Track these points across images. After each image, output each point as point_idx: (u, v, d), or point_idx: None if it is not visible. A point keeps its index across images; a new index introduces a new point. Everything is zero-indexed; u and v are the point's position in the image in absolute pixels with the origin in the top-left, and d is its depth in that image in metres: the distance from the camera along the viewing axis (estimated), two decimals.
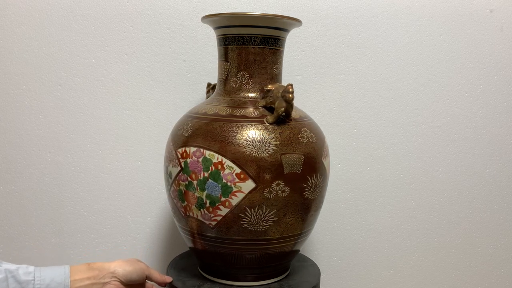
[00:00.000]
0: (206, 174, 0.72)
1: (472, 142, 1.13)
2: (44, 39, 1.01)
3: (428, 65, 1.09)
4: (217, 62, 0.81)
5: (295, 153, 0.73)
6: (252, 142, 0.71)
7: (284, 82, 0.83)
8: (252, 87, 0.78)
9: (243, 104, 0.76)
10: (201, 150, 0.72)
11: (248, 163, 0.70)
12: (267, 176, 0.71)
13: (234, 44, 0.77)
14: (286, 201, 0.73)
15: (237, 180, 0.71)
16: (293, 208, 0.74)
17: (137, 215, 1.08)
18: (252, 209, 0.72)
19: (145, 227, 1.08)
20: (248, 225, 0.73)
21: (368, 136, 1.10)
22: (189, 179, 0.73)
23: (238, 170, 0.70)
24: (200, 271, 0.84)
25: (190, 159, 0.73)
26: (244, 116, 0.74)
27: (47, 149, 1.04)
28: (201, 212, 0.74)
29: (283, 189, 0.72)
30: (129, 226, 1.08)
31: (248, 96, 0.78)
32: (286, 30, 0.79)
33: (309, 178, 0.75)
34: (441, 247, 1.16)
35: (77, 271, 0.67)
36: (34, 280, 0.62)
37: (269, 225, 0.73)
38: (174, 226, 1.08)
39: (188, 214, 0.76)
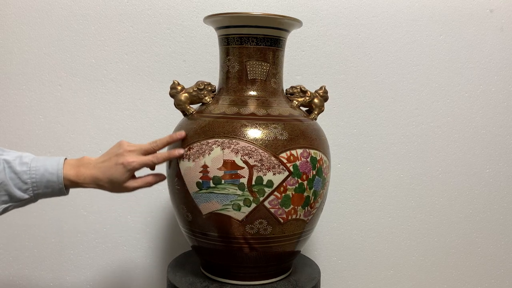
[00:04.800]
0: (314, 172, 0.75)
1: (472, 142, 1.13)
2: (44, 39, 1.01)
3: (428, 65, 1.09)
4: (232, 63, 0.78)
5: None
6: (324, 137, 0.80)
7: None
8: (281, 87, 0.81)
9: (287, 103, 0.80)
10: (307, 150, 0.74)
11: (329, 155, 0.80)
12: (329, 165, 0.82)
13: (275, 46, 0.77)
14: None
15: (328, 171, 0.80)
16: (328, 196, 0.85)
17: (137, 215, 1.08)
18: (327, 194, 0.82)
19: (145, 227, 1.08)
20: (320, 210, 0.81)
21: (368, 136, 1.10)
22: (299, 181, 0.73)
23: (328, 162, 0.79)
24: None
25: (300, 161, 0.73)
26: (303, 115, 0.80)
27: (47, 149, 1.04)
28: (304, 211, 0.75)
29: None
30: (129, 226, 1.08)
31: (281, 96, 0.81)
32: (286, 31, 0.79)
33: None
34: (441, 247, 1.16)
35: (69, 165, 0.69)
36: (29, 170, 0.66)
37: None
38: (175, 225, 1.08)
39: (290, 218, 0.74)
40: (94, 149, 1.04)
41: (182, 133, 0.74)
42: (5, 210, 0.67)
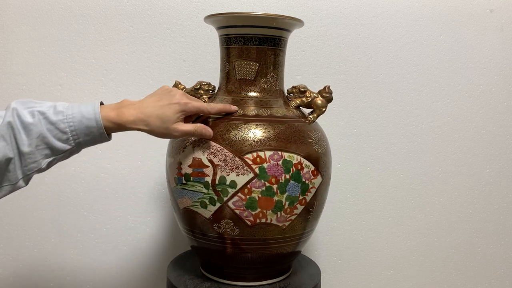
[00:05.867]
0: (287, 176, 0.72)
1: (472, 142, 1.13)
2: (44, 39, 1.01)
3: (428, 65, 1.09)
4: (230, 62, 0.78)
5: (328, 147, 0.80)
6: (315, 140, 0.76)
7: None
8: (279, 88, 0.80)
9: (284, 104, 0.79)
10: (279, 153, 0.71)
11: (317, 160, 0.75)
12: (327, 170, 0.79)
13: (267, 45, 0.76)
14: (327, 191, 0.81)
15: (312, 177, 0.75)
16: (328, 196, 0.82)
17: (137, 215, 1.08)
18: (317, 202, 0.78)
19: (145, 227, 1.08)
20: (311, 217, 0.78)
21: (368, 136, 1.10)
22: (267, 184, 0.71)
23: (312, 168, 0.74)
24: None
25: (268, 164, 0.71)
26: (298, 116, 0.78)
27: None
28: (277, 216, 0.73)
29: (329, 180, 0.80)
30: (129, 226, 1.08)
31: (279, 96, 0.80)
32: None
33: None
34: (441, 247, 1.16)
35: (107, 107, 0.66)
36: (66, 119, 0.63)
37: (319, 213, 0.81)
38: (175, 226, 1.08)
39: (258, 221, 0.72)
40: (94, 149, 1.04)
41: (235, 108, 0.75)
42: (50, 164, 0.64)
